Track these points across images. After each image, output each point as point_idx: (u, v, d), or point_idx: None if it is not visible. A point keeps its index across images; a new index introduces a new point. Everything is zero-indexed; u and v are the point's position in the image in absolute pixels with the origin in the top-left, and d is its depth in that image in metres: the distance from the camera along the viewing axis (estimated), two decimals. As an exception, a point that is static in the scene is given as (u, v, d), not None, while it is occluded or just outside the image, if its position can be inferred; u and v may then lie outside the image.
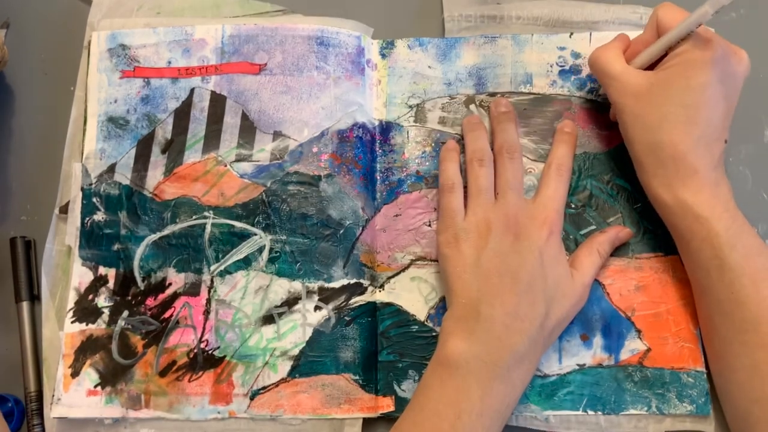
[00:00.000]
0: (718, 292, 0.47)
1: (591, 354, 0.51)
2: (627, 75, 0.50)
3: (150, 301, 0.54)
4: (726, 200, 0.48)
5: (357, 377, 0.52)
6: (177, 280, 0.54)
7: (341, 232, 0.54)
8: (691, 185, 0.47)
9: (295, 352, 0.52)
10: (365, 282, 0.53)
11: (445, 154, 0.54)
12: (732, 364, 0.47)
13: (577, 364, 0.51)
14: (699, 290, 0.50)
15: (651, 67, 0.50)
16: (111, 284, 0.54)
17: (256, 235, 0.55)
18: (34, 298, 0.56)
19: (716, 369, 0.49)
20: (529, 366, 0.47)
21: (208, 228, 0.55)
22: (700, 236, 0.47)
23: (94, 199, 0.56)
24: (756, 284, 0.46)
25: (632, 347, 0.51)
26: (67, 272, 0.55)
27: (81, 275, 0.55)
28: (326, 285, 0.53)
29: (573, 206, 0.54)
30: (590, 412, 0.50)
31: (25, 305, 0.55)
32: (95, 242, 0.55)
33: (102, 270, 0.55)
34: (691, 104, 0.47)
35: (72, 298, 0.54)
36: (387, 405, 0.51)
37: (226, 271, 0.54)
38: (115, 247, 0.55)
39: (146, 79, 0.58)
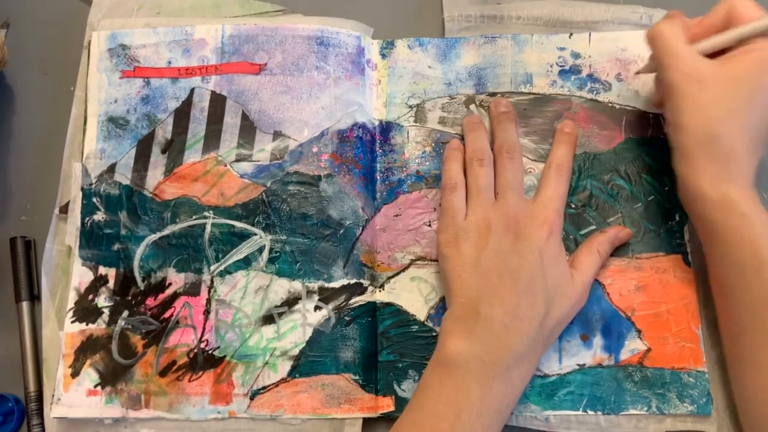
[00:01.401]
0: (752, 293, 0.46)
1: (591, 354, 0.51)
2: (693, 59, 0.47)
3: (150, 301, 0.54)
4: (760, 203, 0.47)
5: (357, 377, 0.52)
6: (177, 280, 0.54)
7: (341, 232, 0.54)
8: (738, 183, 0.46)
9: (295, 352, 0.52)
10: (365, 282, 0.53)
11: (448, 153, 0.54)
12: (757, 366, 0.46)
13: (577, 364, 0.51)
14: (730, 290, 0.48)
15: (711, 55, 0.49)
16: (111, 284, 0.54)
17: (256, 235, 0.55)
18: (34, 298, 0.56)
19: (739, 373, 0.48)
20: (528, 366, 0.47)
21: (208, 228, 0.55)
22: (740, 234, 0.46)
23: (94, 199, 0.56)
24: None
25: (632, 347, 0.51)
26: (67, 272, 0.55)
27: (81, 275, 0.55)
28: (326, 285, 0.53)
29: (573, 206, 0.54)
30: (590, 412, 0.50)
31: (25, 305, 0.55)
32: (95, 242, 0.55)
33: (102, 270, 0.55)
34: (757, 106, 0.46)
35: (72, 298, 0.54)
36: (387, 405, 0.51)
37: (226, 271, 0.54)
38: (115, 247, 0.55)
39: (146, 79, 0.58)
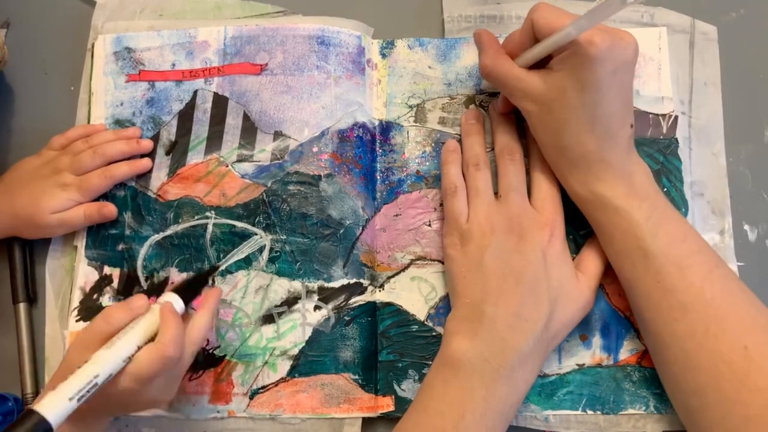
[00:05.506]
0: (645, 282, 0.47)
1: (590, 354, 0.51)
2: (525, 81, 0.48)
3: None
4: (644, 188, 0.48)
5: (357, 377, 0.52)
6: (179, 279, 0.54)
7: (341, 231, 0.54)
8: (606, 179, 0.47)
9: (295, 351, 0.52)
10: (365, 282, 0.54)
11: (446, 157, 0.54)
12: (665, 358, 0.47)
13: (577, 364, 0.51)
14: (627, 284, 0.49)
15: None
16: (115, 284, 0.55)
17: (256, 234, 0.55)
18: (31, 300, 0.56)
19: (655, 364, 0.49)
20: (532, 367, 0.47)
21: (210, 228, 0.55)
22: (622, 228, 0.47)
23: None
24: (682, 270, 0.45)
25: (631, 347, 0.51)
26: (70, 272, 0.56)
27: (87, 275, 0.55)
28: (326, 285, 0.54)
29: (573, 206, 0.54)
30: (589, 412, 0.50)
31: (22, 306, 0.55)
32: (101, 242, 0.56)
33: (107, 270, 0.55)
34: (589, 103, 0.46)
35: (77, 298, 0.55)
36: (387, 405, 0.51)
37: (227, 271, 0.54)
38: (120, 247, 0.55)
39: (151, 82, 0.59)
